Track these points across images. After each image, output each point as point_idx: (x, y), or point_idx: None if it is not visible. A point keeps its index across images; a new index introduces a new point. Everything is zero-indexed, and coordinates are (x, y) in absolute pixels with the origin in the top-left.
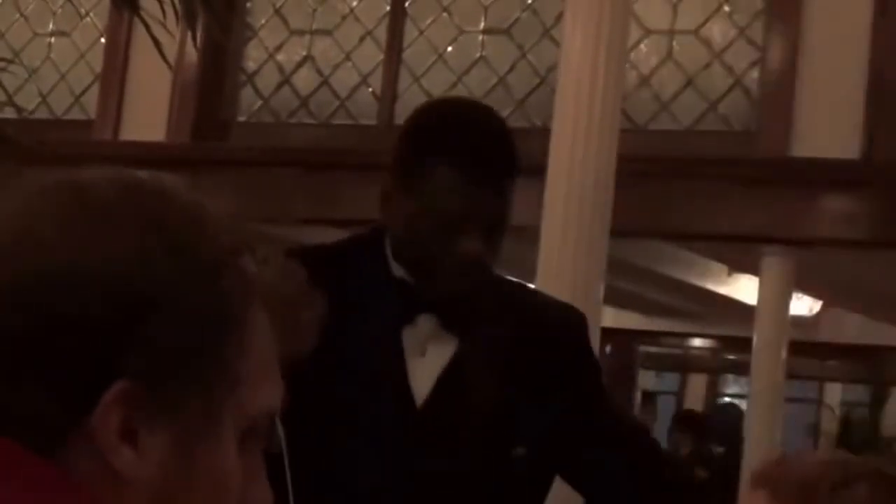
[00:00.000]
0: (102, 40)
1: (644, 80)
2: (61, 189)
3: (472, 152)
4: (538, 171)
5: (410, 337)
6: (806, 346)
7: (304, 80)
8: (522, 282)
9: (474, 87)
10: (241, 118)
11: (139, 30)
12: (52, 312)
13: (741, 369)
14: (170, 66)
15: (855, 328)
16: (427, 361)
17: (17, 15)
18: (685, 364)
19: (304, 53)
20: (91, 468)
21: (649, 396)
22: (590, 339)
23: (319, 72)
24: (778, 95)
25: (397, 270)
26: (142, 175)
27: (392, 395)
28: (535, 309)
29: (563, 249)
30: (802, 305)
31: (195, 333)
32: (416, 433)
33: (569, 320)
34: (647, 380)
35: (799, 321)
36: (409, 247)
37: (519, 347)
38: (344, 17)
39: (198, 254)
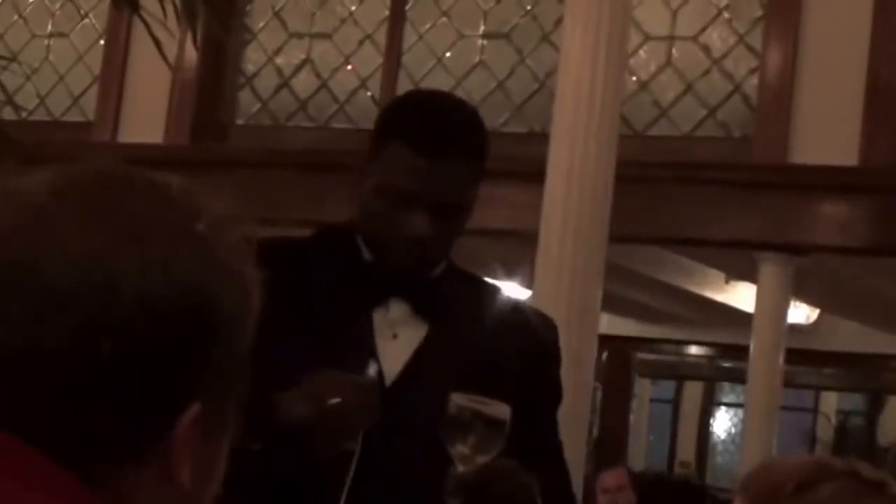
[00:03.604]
0: (101, 42)
1: (643, 86)
2: (88, 193)
3: (425, 130)
4: (537, 175)
5: (382, 320)
6: (803, 354)
7: (303, 82)
8: (495, 282)
9: (473, 91)
10: (240, 121)
11: (138, 32)
12: (133, 337)
13: (738, 377)
14: (169, 65)
15: (852, 336)
16: (398, 344)
17: (16, 16)
18: (681, 372)
19: (303, 56)
20: (147, 482)
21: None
22: (560, 351)
23: (318, 75)
24: (776, 102)
25: (367, 255)
26: (153, 177)
27: (361, 372)
28: (510, 307)
29: (562, 254)
30: (800, 313)
31: (241, 347)
32: (383, 411)
33: (544, 325)
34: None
35: (796, 329)
36: (365, 224)
37: (488, 339)
38: (343, 21)
39: (229, 261)
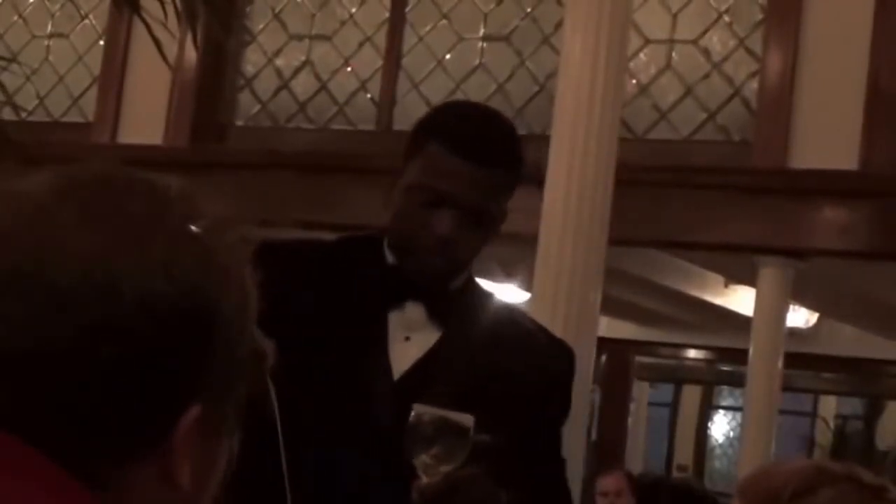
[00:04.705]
0: (101, 42)
1: (643, 89)
2: (86, 194)
3: (464, 133)
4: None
5: (396, 321)
6: (801, 358)
7: (303, 84)
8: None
9: (473, 93)
10: (240, 122)
11: (138, 32)
12: (133, 338)
13: (736, 381)
14: (169, 66)
15: (851, 340)
16: (410, 345)
17: (16, 16)
18: (680, 375)
19: (303, 58)
20: (147, 482)
21: None
22: (572, 378)
23: (318, 77)
24: (777, 106)
25: (391, 259)
26: (148, 177)
27: (371, 369)
28: (525, 331)
29: (561, 256)
30: (799, 317)
31: (241, 348)
32: (389, 407)
33: (559, 351)
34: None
35: (795, 333)
36: (394, 223)
37: (497, 357)
38: (343, 23)
39: (228, 263)
